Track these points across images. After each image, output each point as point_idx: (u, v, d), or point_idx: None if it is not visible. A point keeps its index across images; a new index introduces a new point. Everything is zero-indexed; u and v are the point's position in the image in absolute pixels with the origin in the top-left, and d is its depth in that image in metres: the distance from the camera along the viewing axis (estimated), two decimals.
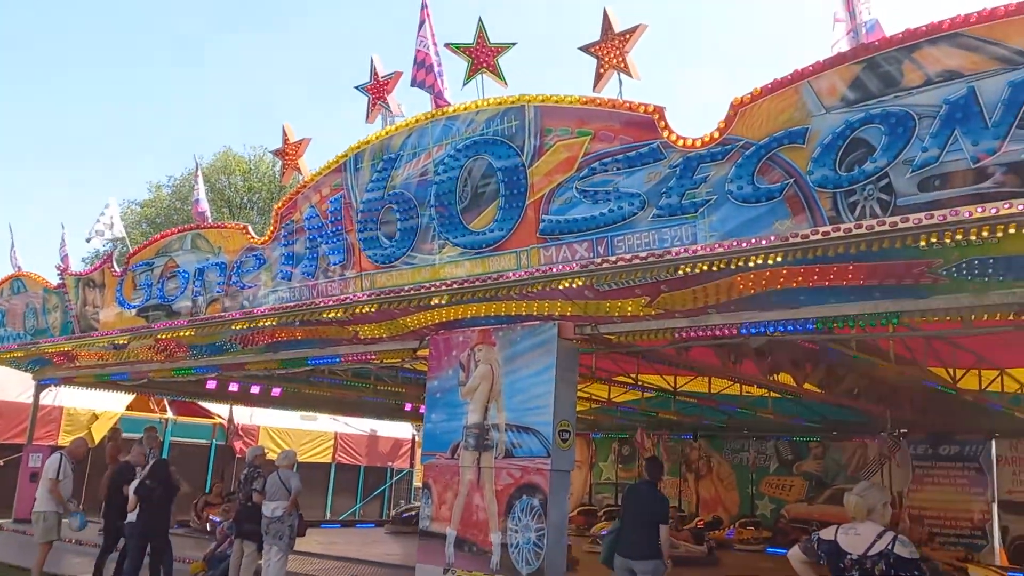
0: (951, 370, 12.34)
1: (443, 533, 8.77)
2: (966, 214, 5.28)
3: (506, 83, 7.95)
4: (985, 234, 5.31)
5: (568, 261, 7.30)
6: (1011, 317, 6.60)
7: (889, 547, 4.18)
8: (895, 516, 17.66)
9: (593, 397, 16.24)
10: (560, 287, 7.37)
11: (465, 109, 8.09)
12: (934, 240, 5.49)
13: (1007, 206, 5.15)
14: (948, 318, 6.97)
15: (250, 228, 10.84)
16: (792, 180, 6.06)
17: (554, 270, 7.36)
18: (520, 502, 8.22)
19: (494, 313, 8.55)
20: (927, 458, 17.63)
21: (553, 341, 8.42)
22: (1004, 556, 16.16)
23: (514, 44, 7.89)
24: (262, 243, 10.33)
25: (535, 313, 8.43)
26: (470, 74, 8.04)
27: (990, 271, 6.17)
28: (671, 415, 17.62)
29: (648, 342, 8.57)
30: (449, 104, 8.33)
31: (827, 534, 4.47)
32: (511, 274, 7.64)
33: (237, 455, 19.07)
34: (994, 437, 16.93)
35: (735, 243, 6.27)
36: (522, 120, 7.61)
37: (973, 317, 6.71)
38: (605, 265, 6.99)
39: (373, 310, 8.73)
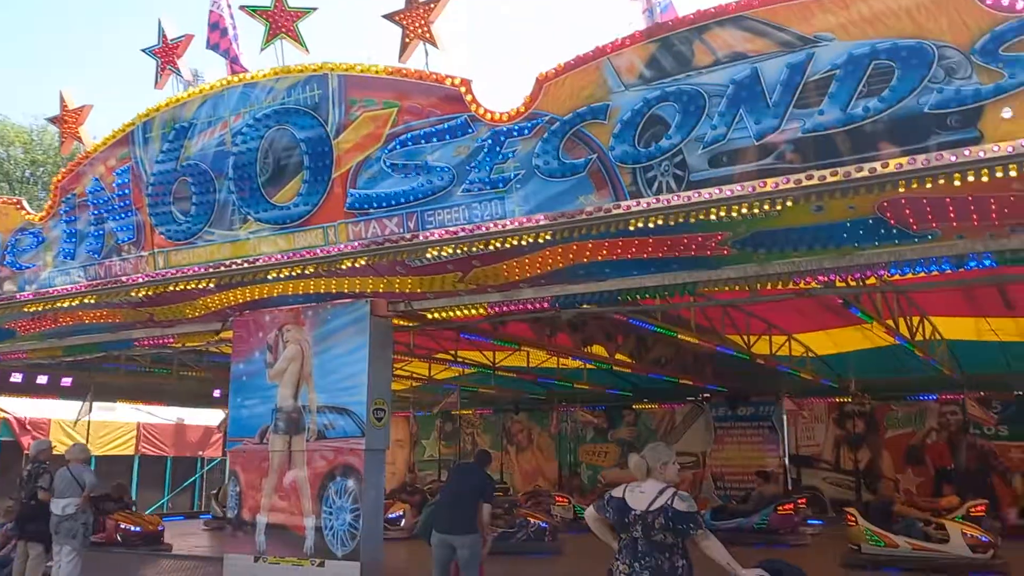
0: (745, 336, 13.28)
1: (253, 521, 8.42)
2: (751, 189, 5.60)
3: (307, 50, 7.61)
4: (767, 207, 5.66)
5: (378, 237, 7.13)
6: (791, 285, 7.11)
7: (668, 502, 4.39)
8: (699, 474, 18.98)
9: (414, 375, 16.17)
10: (354, 264, 7.22)
11: (264, 76, 7.68)
12: (723, 214, 5.79)
13: (785, 181, 5.50)
14: (738, 287, 7.43)
15: (24, 203, 9.82)
16: (595, 156, 6.19)
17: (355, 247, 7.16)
18: (334, 484, 8.03)
19: (303, 291, 8.24)
20: (726, 419, 18.96)
21: (366, 319, 8.24)
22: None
23: (315, 9, 7.56)
24: (40, 220, 9.39)
25: (346, 291, 8.20)
26: (268, 39, 7.63)
27: (773, 242, 6.62)
28: (491, 390, 17.87)
29: (463, 318, 8.58)
30: (247, 70, 7.88)
31: (617, 492, 4.66)
32: (318, 250, 7.37)
33: (25, 451, 17.43)
34: (784, 397, 18.42)
35: (543, 218, 6.35)
36: (325, 90, 7.32)
37: (759, 286, 7.18)
38: (415, 241, 6.88)
39: (212, 284, 8.08)
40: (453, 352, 13.75)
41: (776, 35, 5.52)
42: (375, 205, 7.14)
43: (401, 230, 7.01)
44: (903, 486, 16.67)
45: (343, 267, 7.36)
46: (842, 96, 5.31)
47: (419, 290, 8.05)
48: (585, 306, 8.17)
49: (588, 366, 14.76)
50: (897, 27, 5.15)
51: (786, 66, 5.47)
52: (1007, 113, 4.92)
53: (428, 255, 6.94)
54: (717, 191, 5.71)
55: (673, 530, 4.35)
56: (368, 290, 8.18)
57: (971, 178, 5.08)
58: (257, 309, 8.88)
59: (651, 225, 6.07)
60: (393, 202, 7.04)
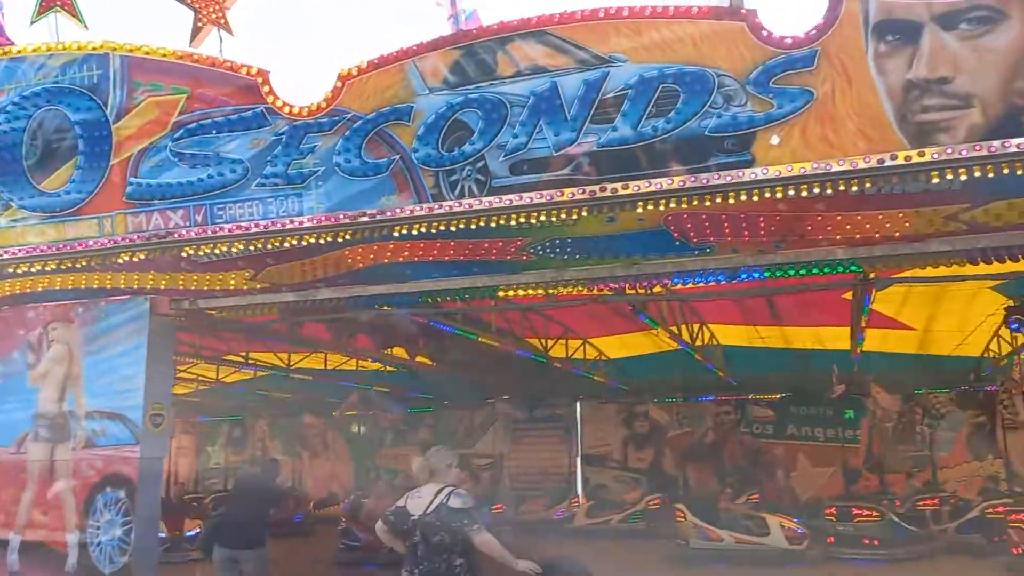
0: (543, 340, 13.71)
1: (3, 539, 7.59)
2: (549, 197, 5.77)
3: (86, 26, 6.98)
4: (564, 216, 5.87)
5: (160, 230, 6.65)
6: (584, 291, 7.41)
7: (444, 501, 4.41)
8: (497, 475, 19.34)
9: (201, 378, 15.29)
10: (132, 259, 6.73)
11: (34, 51, 6.95)
12: (523, 220, 5.94)
13: (581, 192, 5.71)
14: (536, 292, 7.65)
15: None
16: (398, 156, 6.14)
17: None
18: (104, 496, 7.41)
19: (73, 286, 7.54)
20: (524, 422, 19.45)
21: (145, 317, 7.69)
22: (585, 500, 18.37)
23: None
24: None
25: (123, 286, 7.61)
26: (40, 11, 6.93)
27: (569, 249, 6.87)
28: (285, 393, 17.27)
29: (255, 317, 8.22)
30: (12, 43, 7.11)
31: (401, 501, 4.63)
32: (91, 242, 6.77)
33: None
34: (579, 399, 19.18)
35: (342, 216, 6.21)
36: (106, 70, 6.75)
37: (555, 291, 7.42)
38: (202, 235, 6.49)
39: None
40: (244, 354, 13.13)
41: (575, 52, 5.72)
42: (159, 196, 6.67)
43: (187, 223, 6.59)
44: (682, 482, 17.86)
45: (120, 261, 6.82)
46: (634, 114, 5.60)
47: (206, 288, 7.62)
48: (385, 308, 8.08)
49: (388, 368, 14.61)
50: (683, 54, 5.49)
51: (583, 82, 5.68)
52: (775, 140, 5.38)
53: (217, 251, 6.58)
54: (517, 198, 5.84)
55: (449, 529, 4.37)
56: (148, 286, 7.62)
57: (743, 198, 5.53)
58: (19, 304, 8.02)
59: (453, 228, 6.11)
60: (179, 193, 6.61)
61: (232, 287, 7.58)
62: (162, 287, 7.63)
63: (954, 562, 11.91)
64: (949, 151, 5.03)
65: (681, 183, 5.52)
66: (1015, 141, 4.91)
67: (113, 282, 7.51)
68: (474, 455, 18.86)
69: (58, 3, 6.87)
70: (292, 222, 6.32)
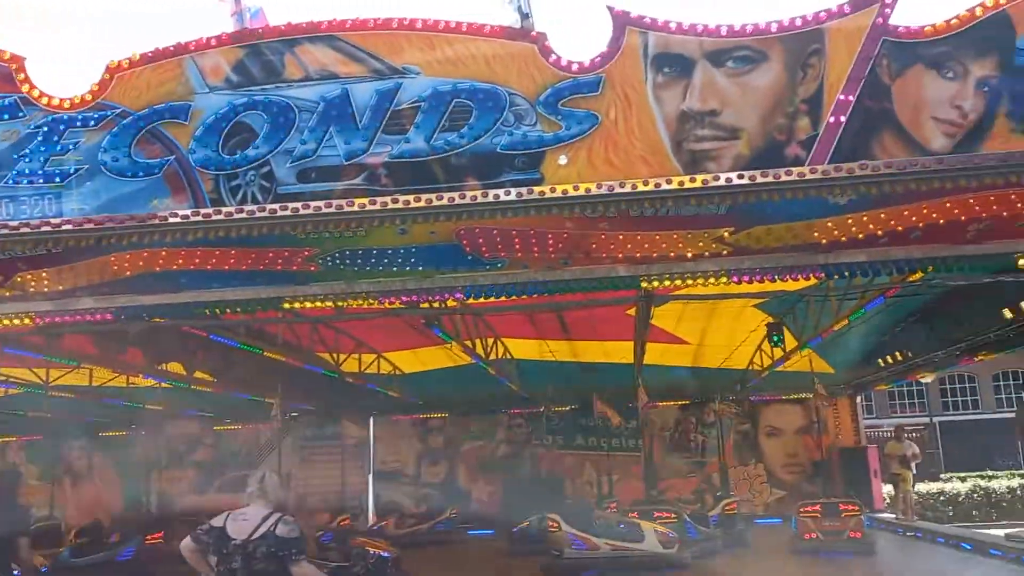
0: (335, 354, 13.35)
1: None
2: (338, 207, 5.60)
3: None
4: (354, 227, 5.72)
5: None
6: (376, 304, 7.28)
7: (271, 528, 4.20)
8: (286, 496, 18.56)
9: None
10: None
11: None
12: (310, 230, 5.72)
13: (372, 203, 5.60)
14: (326, 304, 7.41)
15: None
16: (173, 157, 5.75)
17: None
18: None
19: None
20: (314, 439, 18.85)
21: None
22: (375, 518, 18.07)
23: None
24: None
25: None
26: None
27: (359, 261, 6.71)
28: (45, 413, 15.62)
29: (5, 328, 7.36)
30: None
31: (218, 521, 4.33)
32: None
33: None
34: (372, 414, 18.86)
35: (107, 220, 5.69)
36: None
37: (345, 304, 7.23)
38: None
39: None
40: None
41: (367, 61, 5.62)
42: None
43: None
44: (475, 495, 18.03)
45: None
46: (427, 127, 5.57)
47: None
48: (158, 319, 7.51)
49: (164, 385, 13.61)
50: (476, 71, 5.55)
51: (375, 92, 5.59)
52: (563, 160, 5.56)
53: None
54: (304, 207, 5.63)
55: (274, 558, 4.14)
56: None
57: (533, 214, 5.66)
58: None
59: (234, 235, 5.79)
60: None
61: None
62: None
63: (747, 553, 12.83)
64: (716, 178, 5.41)
65: (473, 198, 5.56)
66: (772, 172, 5.37)
67: None
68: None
69: None
70: (49, 224, 5.71)
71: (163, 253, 6.16)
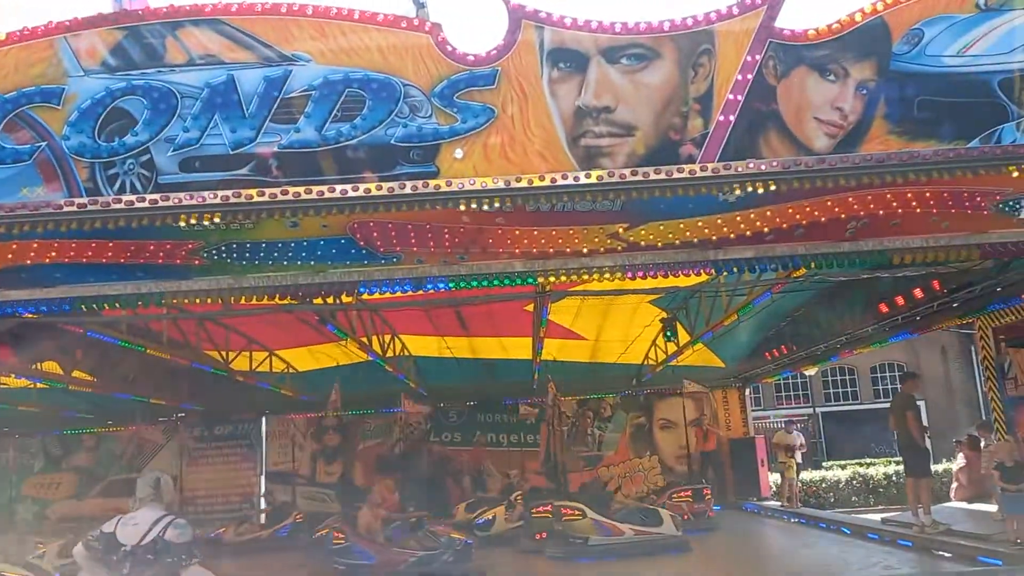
0: (224, 352, 12.88)
1: None
2: (223, 198, 5.39)
3: None
4: (241, 219, 5.51)
5: None
6: (266, 299, 7.04)
7: (161, 533, 4.02)
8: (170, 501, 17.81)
9: None
10: None
11: None
12: (194, 221, 5.49)
13: (261, 194, 5.41)
14: (211, 300, 7.12)
15: None
16: (45, 143, 5.42)
17: None
18: None
19: None
20: (203, 440, 18.15)
21: None
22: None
23: None
24: None
25: None
26: None
27: (248, 255, 6.48)
28: None
29: None
30: None
31: (108, 526, 4.11)
32: None
33: None
34: (264, 414, 18.32)
35: None
36: None
37: (233, 299, 6.97)
38: None
39: None
40: None
41: (255, 47, 5.42)
42: None
43: None
44: (377, 497, 17.72)
45: None
46: (318, 117, 5.43)
47: None
48: (30, 315, 7.06)
49: (38, 385, 12.84)
50: (369, 60, 5.43)
51: (264, 79, 5.40)
52: (459, 153, 5.51)
53: None
54: (188, 197, 5.40)
55: (163, 563, 3.95)
56: None
57: (428, 208, 5.58)
58: None
59: (112, 227, 5.51)
60: None
61: None
62: None
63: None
64: (611, 174, 5.46)
65: (366, 191, 5.45)
66: (665, 168, 5.46)
67: None
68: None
69: None
70: None
71: (35, 245, 5.79)
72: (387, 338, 13.36)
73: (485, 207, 5.66)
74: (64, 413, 16.02)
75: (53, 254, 5.98)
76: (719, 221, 6.44)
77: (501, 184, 5.50)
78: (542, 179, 5.52)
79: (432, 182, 5.49)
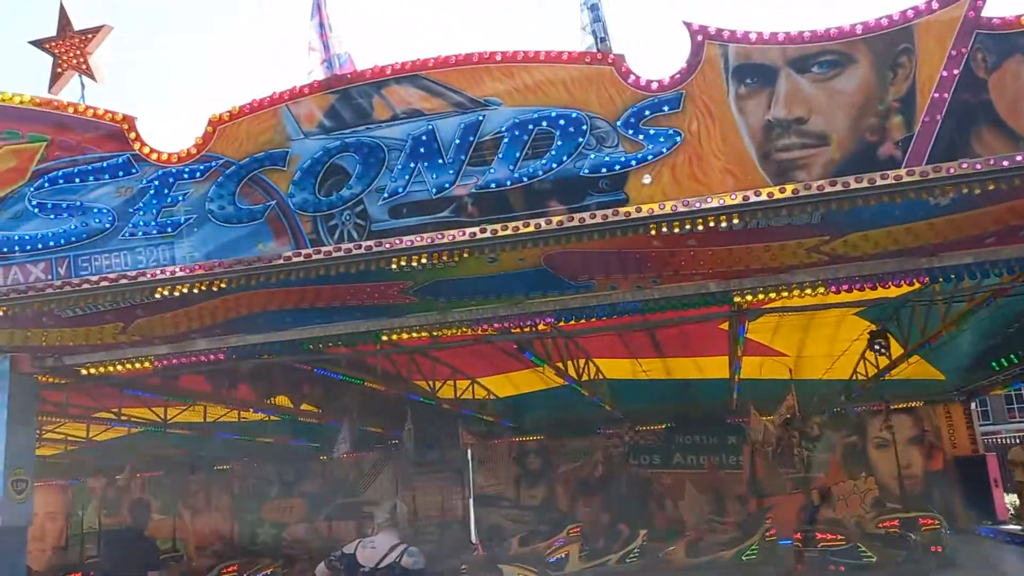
0: (431, 382, 13.57)
1: None
2: (429, 240, 5.77)
3: None
4: (445, 258, 5.87)
5: (20, 284, 6.25)
6: (469, 332, 7.41)
7: (397, 559, 4.35)
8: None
9: (69, 437, 14.36)
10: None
11: None
12: (404, 263, 5.90)
13: (462, 233, 5.74)
14: (421, 334, 7.59)
15: None
16: (274, 202, 6.03)
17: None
18: None
19: None
20: (415, 465, 19.11)
21: (5, 377, 7.19)
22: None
23: None
24: None
25: None
26: None
27: (451, 291, 6.86)
28: (168, 450, 16.43)
29: (127, 372, 7.81)
30: None
31: (349, 548, 4.55)
32: None
33: None
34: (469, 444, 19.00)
35: (217, 265, 6.01)
36: None
37: (439, 333, 7.39)
38: (66, 288, 6.14)
39: None
40: (116, 410, 12.42)
41: (450, 96, 5.78)
42: (18, 248, 6.29)
43: (49, 276, 6.23)
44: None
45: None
46: (510, 157, 5.69)
47: (72, 343, 7.19)
48: (266, 356, 7.84)
49: (272, 418, 14.12)
50: (556, 97, 5.63)
51: (460, 125, 5.75)
52: (647, 179, 5.57)
53: (83, 304, 6.24)
54: (398, 241, 5.81)
55: None
56: (7, 343, 7.13)
57: (619, 235, 5.68)
58: None
59: (333, 273, 6.02)
60: (40, 245, 6.25)
61: (100, 341, 7.18)
62: (24, 344, 7.15)
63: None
64: (807, 187, 5.32)
65: (559, 223, 5.63)
66: (867, 176, 5.25)
67: None
68: (364, 503, 18.39)
69: None
70: (163, 272, 6.07)
71: (268, 294, 6.43)
72: (582, 362, 13.52)
73: (676, 230, 5.67)
74: (294, 442, 17.47)
75: (284, 301, 6.62)
76: (931, 226, 6.06)
77: (691, 206, 5.50)
78: (733, 197, 5.46)
79: (622, 209, 5.59)
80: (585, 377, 13.69)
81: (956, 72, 5.15)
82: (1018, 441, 16.98)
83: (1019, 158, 5.07)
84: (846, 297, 7.38)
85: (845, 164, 5.34)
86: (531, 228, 5.65)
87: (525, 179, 5.67)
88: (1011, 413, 24.10)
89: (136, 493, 19.67)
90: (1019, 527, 14.29)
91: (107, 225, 6.22)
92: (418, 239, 5.78)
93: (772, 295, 7.18)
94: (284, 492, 19.83)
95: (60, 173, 6.29)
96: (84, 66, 6.36)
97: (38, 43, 6.38)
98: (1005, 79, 5.11)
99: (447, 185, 5.78)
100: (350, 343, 7.53)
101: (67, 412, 10.65)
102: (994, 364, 13.58)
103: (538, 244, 5.77)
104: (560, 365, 12.18)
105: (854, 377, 14.95)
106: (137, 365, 7.61)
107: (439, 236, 5.75)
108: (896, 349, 11.84)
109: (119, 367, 7.67)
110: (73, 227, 6.25)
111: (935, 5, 5.17)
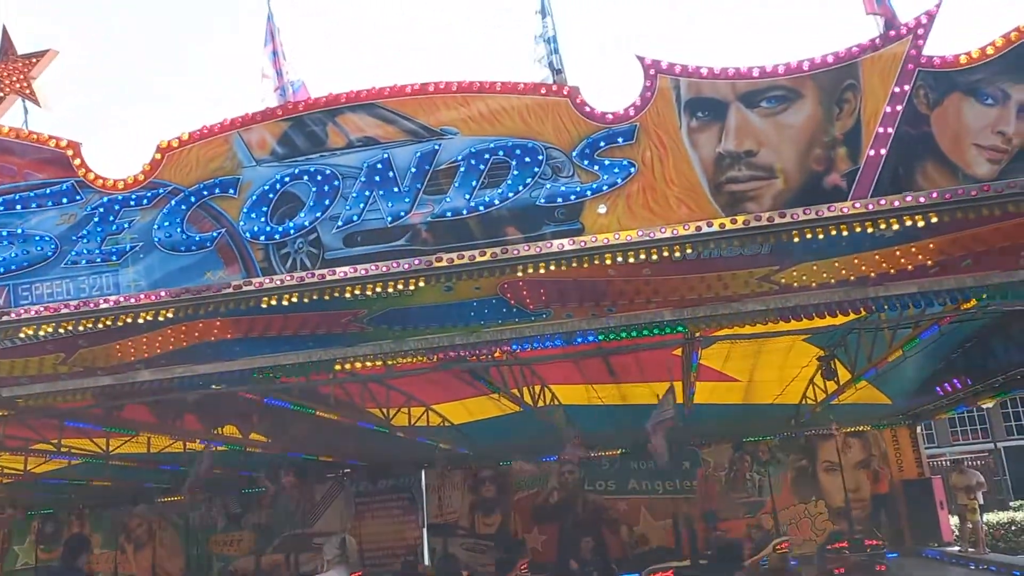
0: (385, 410, 13.40)
1: None
2: (384, 268, 5.72)
3: None
4: (400, 287, 5.82)
5: None
6: (425, 360, 7.34)
7: None
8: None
9: (6, 470, 13.83)
10: None
11: None
12: (358, 292, 5.84)
13: (417, 262, 5.70)
14: (375, 363, 7.50)
15: None
16: (224, 230, 5.95)
17: None
18: None
19: None
20: (367, 493, 18.84)
21: None
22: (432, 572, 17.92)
23: None
24: None
25: None
26: None
27: (407, 319, 6.80)
28: (105, 481, 15.91)
29: (68, 404, 7.56)
30: None
31: None
32: None
33: None
34: (424, 468, 18.82)
35: (163, 294, 5.87)
36: None
37: (394, 362, 7.31)
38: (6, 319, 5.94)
39: None
40: (55, 441, 11.99)
41: (406, 124, 5.78)
42: None
43: None
44: (530, 544, 17.79)
45: None
46: (467, 185, 5.70)
47: (11, 374, 6.94)
48: (214, 387, 7.66)
49: (219, 448, 13.77)
50: (511, 127, 5.67)
51: (416, 154, 5.74)
52: (602, 209, 5.63)
53: (22, 334, 6.03)
54: (352, 270, 5.76)
55: None
56: None
57: (575, 264, 5.70)
58: None
59: (285, 303, 5.93)
60: None
61: (39, 372, 6.95)
62: None
63: None
64: (758, 218, 5.41)
65: (515, 252, 5.63)
66: (814, 208, 5.36)
67: None
68: (315, 534, 18.04)
69: None
70: (107, 301, 5.91)
71: (218, 323, 6.31)
72: (537, 389, 13.49)
73: (631, 259, 5.71)
74: (241, 473, 17.07)
75: (235, 330, 6.50)
76: (877, 257, 6.21)
77: (646, 236, 5.55)
78: (687, 228, 5.53)
79: (578, 239, 5.62)
80: (541, 403, 13.66)
81: (899, 108, 5.31)
82: (952, 464, 17.31)
83: (960, 191, 5.22)
84: (795, 325, 7.49)
85: (793, 196, 5.45)
86: (487, 257, 5.65)
87: (481, 208, 5.68)
88: (955, 436, 24.69)
89: (75, 527, 19.04)
90: (960, 548, 14.59)
91: (49, 253, 6.06)
92: (372, 267, 5.73)
93: (725, 323, 7.25)
94: (232, 525, 19.32)
95: (1, 199, 6.11)
96: (28, 90, 6.21)
97: None
98: (947, 115, 5.29)
99: (403, 213, 5.76)
100: (303, 373, 7.40)
101: (3, 444, 10.24)
102: (939, 388, 13.90)
103: (494, 273, 5.76)
104: (515, 392, 12.14)
105: (803, 401, 15.17)
106: (78, 397, 7.37)
107: (394, 265, 5.71)
108: (844, 374, 12.06)
109: (60, 399, 7.41)
110: (12, 255, 6.07)
111: (879, 43, 5.34)
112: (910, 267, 6.35)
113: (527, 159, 5.65)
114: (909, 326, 9.39)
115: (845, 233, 5.47)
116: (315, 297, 5.85)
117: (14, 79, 6.17)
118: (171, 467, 15.15)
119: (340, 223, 5.79)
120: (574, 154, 5.64)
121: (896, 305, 6.80)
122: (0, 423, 8.52)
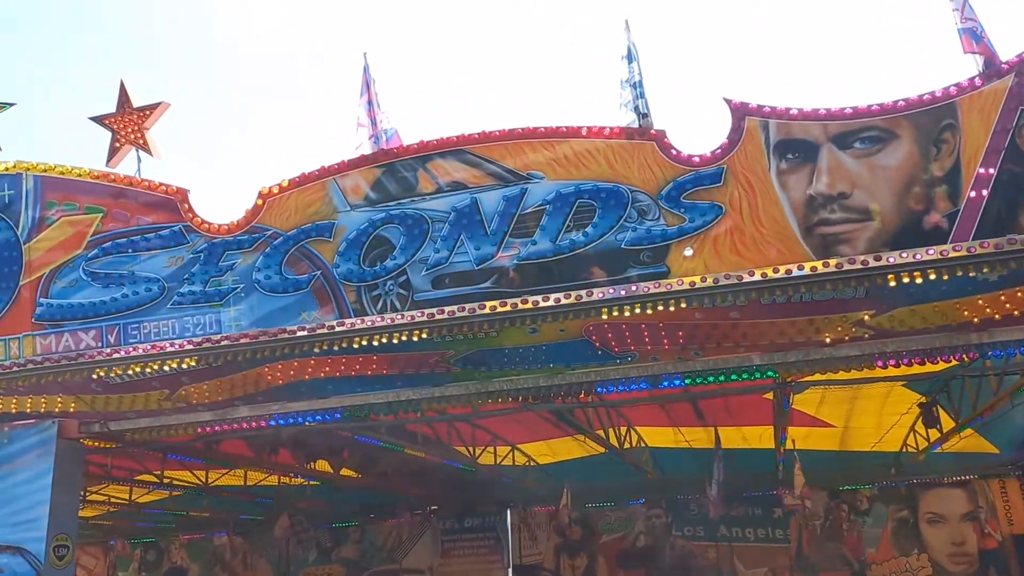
0: (471, 448, 13.46)
1: None
2: (471, 310, 5.81)
3: None
4: (487, 328, 5.90)
5: (71, 351, 6.41)
6: (510, 401, 7.38)
7: None
8: None
9: (112, 500, 14.46)
10: (39, 381, 6.49)
11: None
12: (445, 333, 5.94)
13: (503, 304, 5.77)
14: (461, 404, 7.58)
15: None
16: (319, 272, 6.16)
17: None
18: None
19: None
20: (453, 532, 18.86)
21: (52, 442, 7.32)
22: None
23: (12, 104, 6.90)
24: None
25: (29, 410, 7.24)
26: None
27: (493, 361, 6.86)
28: (203, 512, 16.44)
29: (170, 438, 7.90)
30: None
31: None
32: None
33: None
34: (509, 507, 18.75)
35: (262, 333, 6.11)
36: (19, 190, 6.67)
37: (480, 402, 7.37)
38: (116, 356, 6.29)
39: None
40: (158, 473, 12.50)
41: (492, 169, 5.90)
42: (70, 316, 6.49)
43: (99, 344, 6.39)
44: None
45: (20, 384, 6.53)
46: (552, 229, 5.76)
47: (117, 409, 7.31)
48: (308, 423, 7.87)
49: (311, 483, 14.09)
50: (597, 170, 5.72)
51: (503, 198, 5.85)
52: (688, 252, 5.59)
53: (131, 371, 6.37)
54: (440, 311, 5.86)
55: None
56: (56, 409, 7.27)
57: (661, 307, 5.66)
58: None
59: (376, 343, 6.07)
60: (92, 313, 6.45)
61: (145, 408, 7.30)
62: (71, 410, 7.30)
63: None
64: (851, 261, 5.28)
65: (601, 295, 5.64)
66: (911, 251, 5.19)
67: (19, 406, 7.16)
68: (403, 570, 18.15)
69: None
70: (209, 340, 6.19)
71: (311, 362, 6.51)
72: (623, 430, 13.31)
73: (718, 303, 5.64)
74: (333, 508, 17.37)
75: (327, 369, 6.69)
76: (980, 301, 5.94)
77: (733, 279, 5.48)
78: (776, 271, 5.43)
79: (663, 282, 5.59)
80: (627, 445, 13.47)
81: (1002, 147, 5.11)
82: None
83: None
84: (892, 372, 7.22)
85: (890, 237, 5.30)
86: (572, 300, 5.67)
87: (567, 251, 5.72)
88: None
89: (175, 558, 19.70)
90: None
91: (156, 294, 6.39)
92: (459, 310, 5.83)
93: (817, 368, 7.04)
94: (322, 557, 19.64)
95: (113, 243, 6.51)
96: (141, 141, 6.63)
97: (98, 119, 6.68)
98: None
99: (489, 256, 5.85)
100: (391, 411, 7.54)
101: (110, 475, 10.75)
102: None
103: (579, 316, 5.77)
104: (600, 433, 12.02)
105: (904, 449, 14.49)
106: (179, 431, 7.68)
107: (480, 307, 5.79)
108: (947, 422, 11.49)
109: (163, 434, 7.75)
110: (123, 296, 6.43)
111: (978, 82, 5.18)
112: (1016, 312, 6.06)
113: (612, 202, 5.68)
114: (1017, 373, 8.92)
115: (945, 277, 5.27)
116: (404, 338, 5.98)
117: (129, 131, 6.60)
118: (266, 499, 15.56)
119: (429, 265, 5.92)
120: (660, 197, 5.64)
121: (1001, 351, 6.49)
122: (109, 455, 8.93)
